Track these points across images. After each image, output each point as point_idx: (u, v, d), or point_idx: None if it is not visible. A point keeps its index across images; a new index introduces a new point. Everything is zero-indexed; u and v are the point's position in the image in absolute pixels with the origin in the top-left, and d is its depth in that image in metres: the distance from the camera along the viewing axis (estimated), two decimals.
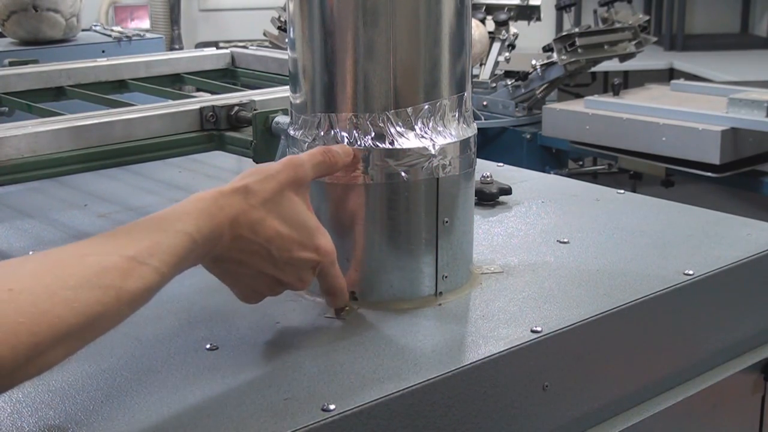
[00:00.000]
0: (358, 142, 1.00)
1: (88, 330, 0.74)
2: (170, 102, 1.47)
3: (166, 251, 0.81)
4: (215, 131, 1.32)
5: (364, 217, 1.02)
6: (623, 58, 4.01)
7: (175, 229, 0.83)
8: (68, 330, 0.72)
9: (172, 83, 1.84)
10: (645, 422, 1.07)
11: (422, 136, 1.01)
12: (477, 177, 1.30)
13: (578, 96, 4.31)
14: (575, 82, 4.33)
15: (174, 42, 5.27)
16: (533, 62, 3.91)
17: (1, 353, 0.67)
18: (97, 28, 3.34)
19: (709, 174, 3.38)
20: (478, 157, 1.13)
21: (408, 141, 1.01)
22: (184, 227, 0.83)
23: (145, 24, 5.41)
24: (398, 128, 1.00)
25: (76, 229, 1.34)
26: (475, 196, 1.20)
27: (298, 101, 1.06)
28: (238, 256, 0.90)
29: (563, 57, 3.77)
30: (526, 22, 4.35)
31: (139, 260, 0.78)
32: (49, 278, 0.73)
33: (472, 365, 0.91)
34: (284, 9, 3.32)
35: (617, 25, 3.97)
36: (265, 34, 4.27)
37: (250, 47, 2.02)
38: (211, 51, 1.97)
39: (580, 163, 4.42)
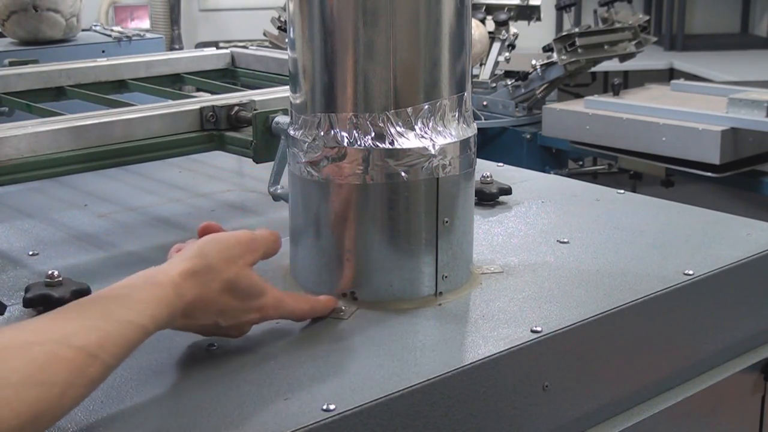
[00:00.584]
0: (358, 142, 1.00)
1: (29, 428, 0.71)
2: (170, 102, 1.47)
3: (117, 344, 0.79)
4: (215, 131, 1.32)
5: (364, 217, 1.02)
6: (623, 58, 4.00)
7: (128, 319, 0.81)
8: (7, 429, 0.69)
9: (172, 83, 1.84)
10: (645, 422, 1.07)
11: (422, 136, 1.01)
12: (477, 177, 1.30)
13: (578, 96, 4.31)
14: (575, 82, 4.33)
15: (174, 42, 5.27)
16: (533, 62, 3.91)
17: None
18: (97, 28, 3.34)
19: (709, 174, 3.37)
20: (478, 157, 1.13)
21: (408, 141, 1.01)
22: (138, 319, 0.82)
23: (145, 24, 5.41)
24: (398, 128, 1.00)
25: (76, 229, 1.34)
26: (475, 196, 1.20)
27: (298, 101, 1.06)
28: (185, 325, 0.90)
29: (563, 57, 3.77)
30: (526, 22, 4.35)
31: (89, 352, 0.77)
32: None
33: (472, 365, 0.91)
34: (284, 9, 3.32)
35: (617, 25, 3.97)
36: (265, 34, 4.27)
37: (250, 47, 2.02)
38: (211, 51, 1.97)
39: (580, 163, 4.41)
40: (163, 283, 0.86)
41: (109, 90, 1.74)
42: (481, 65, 4.23)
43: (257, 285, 0.94)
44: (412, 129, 1.01)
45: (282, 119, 1.23)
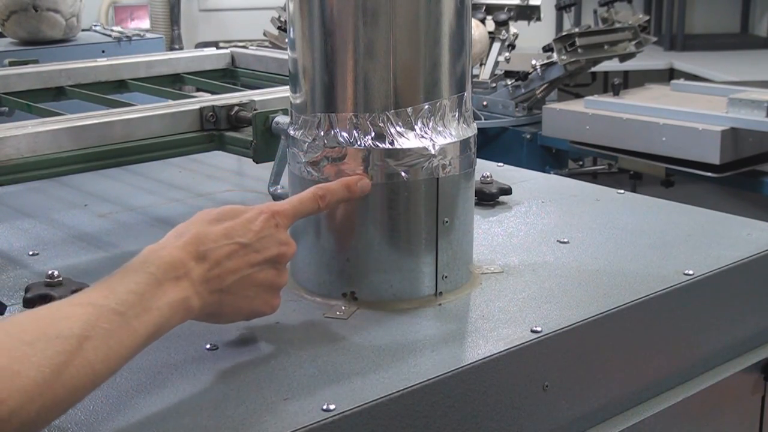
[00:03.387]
0: (358, 142, 1.00)
1: (59, 384, 0.71)
2: (170, 102, 1.47)
3: (128, 290, 0.79)
4: (215, 131, 1.32)
5: (364, 217, 1.02)
6: (623, 58, 4.00)
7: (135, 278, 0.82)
8: (33, 387, 0.69)
9: (172, 83, 1.84)
10: (645, 422, 1.07)
11: (422, 136, 1.01)
12: (477, 177, 1.30)
13: (578, 96, 4.31)
14: (575, 82, 4.33)
15: (174, 42, 5.26)
16: (533, 62, 3.91)
17: None
18: (97, 28, 3.34)
19: (709, 174, 3.37)
20: (478, 157, 1.13)
21: (408, 141, 1.01)
22: (148, 269, 0.83)
23: (145, 24, 5.40)
24: (398, 128, 1.00)
25: (76, 229, 1.34)
26: (475, 196, 1.20)
27: (298, 101, 1.06)
28: (216, 277, 0.88)
29: (563, 57, 3.77)
30: (526, 22, 4.34)
31: (97, 304, 0.77)
32: (4, 336, 0.71)
33: (472, 365, 0.91)
34: (284, 9, 3.32)
35: (617, 25, 3.97)
36: (265, 34, 4.27)
37: (250, 47, 2.02)
38: (211, 51, 1.97)
39: (580, 163, 4.41)
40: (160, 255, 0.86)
41: (109, 90, 1.74)
42: (481, 65, 4.23)
43: (243, 207, 0.94)
44: (412, 129, 1.01)
45: (282, 119, 1.23)
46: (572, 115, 3.77)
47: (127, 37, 3.10)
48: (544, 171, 2.99)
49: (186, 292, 0.84)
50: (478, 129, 1.10)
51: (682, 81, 4.09)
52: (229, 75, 1.93)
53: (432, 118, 1.02)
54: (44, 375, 0.70)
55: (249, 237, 0.91)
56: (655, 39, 4.64)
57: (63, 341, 0.72)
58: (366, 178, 1.00)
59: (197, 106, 1.33)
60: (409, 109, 1.00)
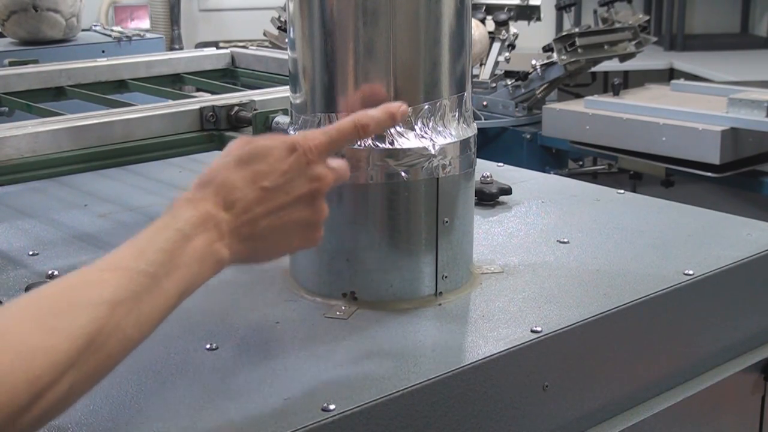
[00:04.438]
0: (358, 142, 1.00)
1: (91, 353, 0.70)
2: (170, 102, 1.47)
3: (157, 249, 0.77)
4: (215, 131, 1.32)
5: (364, 217, 1.02)
6: (623, 58, 4.00)
7: (160, 227, 0.80)
8: (66, 359, 0.68)
9: (172, 83, 1.84)
10: (645, 422, 1.07)
11: (422, 136, 1.01)
12: (477, 177, 1.30)
13: (578, 96, 4.30)
14: (575, 82, 4.33)
15: (174, 42, 5.26)
16: (533, 62, 3.91)
17: None
18: (97, 28, 3.35)
19: (709, 174, 3.37)
20: (478, 157, 1.13)
21: (408, 141, 1.01)
22: (172, 224, 0.81)
23: (145, 24, 5.40)
24: (398, 128, 1.00)
25: (76, 229, 1.34)
26: (475, 196, 1.20)
27: (298, 101, 1.06)
28: (248, 216, 0.84)
29: (563, 57, 3.77)
30: (526, 22, 4.35)
31: (124, 267, 0.75)
32: (34, 311, 0.70)
33: (472, 365, 0.91)
34: (284, 9, 3.32)
35: (617, 25, 3.97)
36: (265, 34, 4.27)
37: (250, 47, 2.02)
38: (211, 51, 1.97)
39: (580, 163, 4.41)
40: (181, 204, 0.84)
41: (109, 90, 1.74)
42: (481, 65, 4.23)
43: (270, 143, 0.87)
44: (412, 129, 1.01)
45: (282, 119, 1.23)
46: (572, 115, 3.77)
47: (127, 37, 3.10)
48: (544, 171, 2.98)
49: (215, 244, 0.82)
50: (478, 129, 1.10)
51: (682, 81, 4.09)
52: (229, 75, 1.93)
53: (432, 118, 1.02)
54: (77, 346, 0.69)
55: (277, 180, 0.85)
56: (655, 39, 4.64)
57: (94, 309, 0.71)
58: (405, 105, 0.94)
59: (197, 106, 1.33)
60: (409, 109, 1.00)
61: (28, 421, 0.67)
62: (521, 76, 4.01)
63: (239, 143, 0.88)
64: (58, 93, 1.71)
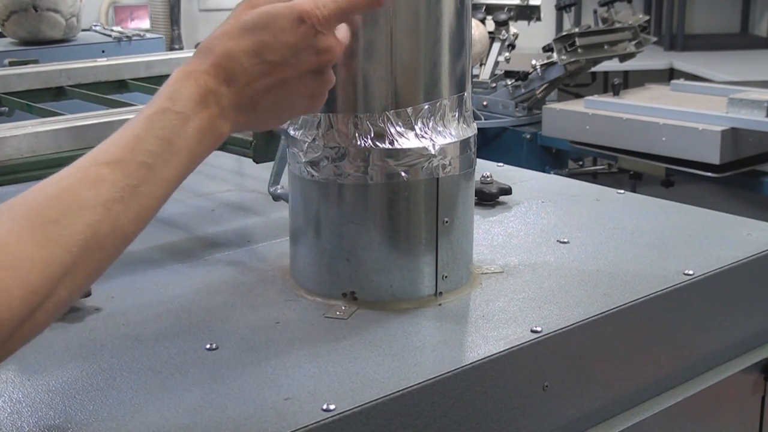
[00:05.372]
0: (358, 142, 1.00)
1: (88, 257, 0.68)
2: None
3: (155, 135, 0.74)
4: None
5: (364, 217, 1.02)
6: (623, 58, 4.00)
7: (154, 112, 0.77)
8: (63, 269, 0.66)
9: None
10: (645, 422, 1.07)
11: (422, 136, 1.01)
12: (477, 177, 1.30)
13: (578, 96, 4.30)
14: (575, 82, 4.33)
15: (174, 42, 5.26)
16: (533, 62, 3.91)
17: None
18: (97, 28, 3.35)
19: (709, 174, 3.37)
20: (478, 157, 1.13)
21: (408, 141, 1.01)
22: (168, 105, 0.77)
23: (145, 24, 5.40)
24: (398, 128, 1.00)
25: None
26: (475, 196, 1.20)
27: None
28: (249, 86, 0.81)
29: (563, 57, 3.77)
30: (526, 22, 4.35)
31: (120, 160, 0.72)
32: (29, 219, 0.68)
33: (472, 365, 0.90)
34: None
35: (617, 25, 3.97)
36: None
37: None
38: None
39: (580, 163, 4.41)
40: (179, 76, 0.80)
41: (109, 90, 1.74)
42: (481, 65, 4.23)
43: (276, 11, 0.81)
44: (412, 129, 1.01)
45: None
46: (572, 115, 3.77)
47: (127, 37, 3.10)
48: (544, 171, 2.99)
49: (216, 120, 0.79)
50: (478, 129, 1.10)
51: (682, 81, 4.09)
52: None
53: (432, 118, 1.02)
54: (73, 255, 0.67)
55: (283, 53, 0.81)
56: (655, 39, 4.64)
57: (91, 211, 0.69)
58: None
59: None
60: (409, 109, 1.00)
61: (28, 330, 0.66)
62: (521, 76, 4.01)
63: (245, 6, 0.83)
64: (58, 93, 1.71)
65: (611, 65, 4.29)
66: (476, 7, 4.16)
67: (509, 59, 4.21)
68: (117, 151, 0.74)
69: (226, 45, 0.81)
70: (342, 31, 0.86)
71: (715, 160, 3.31)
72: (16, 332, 0.65)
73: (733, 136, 3.31)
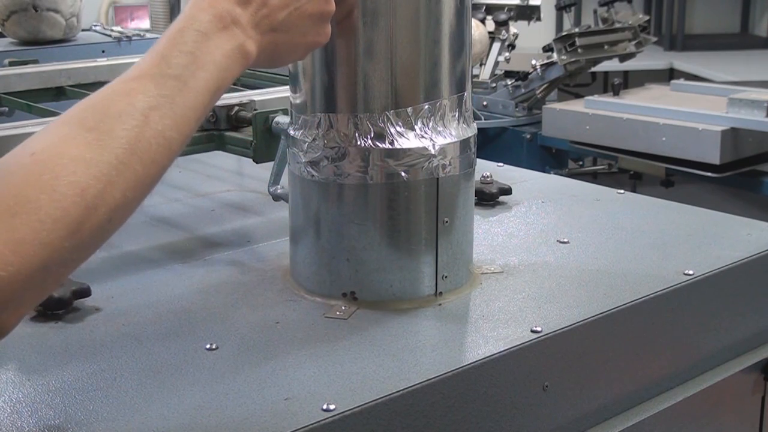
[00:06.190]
0: (358, 142, 1.00)
1: (135, 161, 0.69)
2: None
3: (180, 50, 0.76)
4: (215, 131, 1.32)
5: (364, 217, 1.02)
6: (623, 58, 4.00)
7: (176, 30, 0.79)
8: (110, 169, 0.67)
9: None
10: (645, 422, 1.07)
11: (422, 136, 1.01)
12: (477, 177, 1.30)
13: (578, 96, 4.30)
14: (575, 82, 4.33)
15: None
16: (533, 62, 3.91)
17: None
18: (97, 28, 3.35)
19: (709, 174, 3.37)
20: (478, 157, 1.13)
21: (408, 141, 1.01)
22: (188, 24, 0.80)
23: (145, 24, 5.40)
24: (398, 128, 1.00)
25: None
26: (475, 196, 1.20)
27: (298, 101, 1.06)
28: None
29: (563, 57, 3.77)
30: (526, 22, 4.35)
31: (147, 75, 0.74)
32: (69, 128, 0.69)
33: (472, 365, 0.91)
34: None
35: (617, 25, 3.97)
36: None
37: None
38: None
39: (580, 163, 4.41)
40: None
41: None
42: (481, 65, 4.23)
43: None
44: (412, 129, 1.01)
45: (282, 119, 1.22)
46: (572, 115, 3.77)
47: (127, 37, 3.10)
48: (544, 171, 2.99)
49: (238, 38, 0.82)
50: (478, 129, 1.10)
51: (682, 81, 4.09)
52: None
53: (432, 118, 1.02)
54: (118, 155, 0.68)
55: None
56: (655, 39, 4.64)
57: (128, 118, 0.70)
58: None
59: None
60: (409, 109, 1.00)
61: (89, 232, 0.67)
62: (521, 76, 4.01)
63: None
64: (58, 93, 1.71)
65: (611, 65, 4.29)
66: (476, 7, 4.16)
67: (509, 59, 4.21)
68: (144, 67, 0.76)
69: None
70: None
71: (715, 160, 3.31)
72: (76, 232, 0.66)
73: (733, 136, 3.31)
